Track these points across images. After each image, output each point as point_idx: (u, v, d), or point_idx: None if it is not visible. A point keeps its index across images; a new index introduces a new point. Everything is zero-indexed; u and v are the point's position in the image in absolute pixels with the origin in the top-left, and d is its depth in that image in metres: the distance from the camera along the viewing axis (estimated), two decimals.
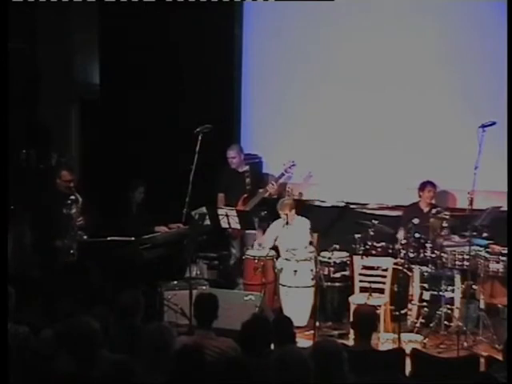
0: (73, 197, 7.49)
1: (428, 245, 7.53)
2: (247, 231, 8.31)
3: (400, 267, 7.54)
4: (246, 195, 8.47)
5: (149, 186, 8.42)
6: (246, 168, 8.60)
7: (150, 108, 9.29)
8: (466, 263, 7.29)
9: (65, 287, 7.32)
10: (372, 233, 7.68)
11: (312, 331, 7.15)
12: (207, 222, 7.69)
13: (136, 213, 8.38)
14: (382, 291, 7.46)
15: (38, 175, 8.85)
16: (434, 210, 7.67)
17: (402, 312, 7.34)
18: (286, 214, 8.01)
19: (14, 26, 7.04)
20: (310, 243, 8.09)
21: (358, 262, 7.61)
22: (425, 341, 7.12)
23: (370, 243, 7.70)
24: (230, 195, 8.52)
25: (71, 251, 7.47)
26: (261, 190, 8.45)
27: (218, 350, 4.96)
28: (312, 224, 8.23)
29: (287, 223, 7.97)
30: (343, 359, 4.23)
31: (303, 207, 8.57)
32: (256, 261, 7.94)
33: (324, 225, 8.45)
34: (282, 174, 8.45)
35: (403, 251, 7.58)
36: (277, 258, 8.08)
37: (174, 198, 8.11)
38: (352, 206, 8.53)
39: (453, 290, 7.42)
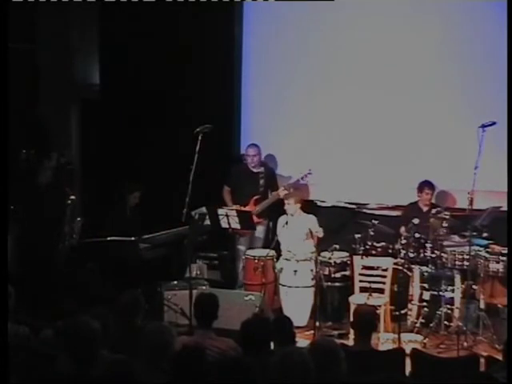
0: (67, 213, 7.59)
1: (428, 245, 7.54)
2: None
3: (400, 267, 7.54)
4: (258, 196, 8.44)
5: (147, 188, 8.42)
6: (261, 169, 8.57)
7: (149, 108, 9.29)
8: (465, 263, 7.29)
9: (65, 287, 7.34)
10: (372, 233, 7.68)
11: (312, 331, 7.17)
12: (207, 221, 7.70)
13: (129, 216, 8.39)
14: (381, 291, 7.46)
15: (37, 175, 8.84)
16: (433, 210, 7.67)
17: (402, 312, 7.34)
18: (289, 204, 7.99)
19: (14, 26, 7.02)
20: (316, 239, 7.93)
21: (358, 261, 7.61)
22: (425, 341, 7.12)
23: (369, 243, 7.70)
24: (240, 193, 8.50)
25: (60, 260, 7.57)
26: (274, 193, 8.43)
27: (218, 350, 4.96)
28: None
29: (291, 215, 7.97)
30: (341, 357, 4.24)
31: (303, 207, 8.57)
32: (256, 261, 7.95)
33: (324, 225, 8.44)
34: (297, 181, 8.41)
35: (403, 251, 7.58)
36: (277, 258, 8.08)
37: (171, 199, 8.11)
38: (352, 206, 8.54)
39: (453, 290, 7.42)
